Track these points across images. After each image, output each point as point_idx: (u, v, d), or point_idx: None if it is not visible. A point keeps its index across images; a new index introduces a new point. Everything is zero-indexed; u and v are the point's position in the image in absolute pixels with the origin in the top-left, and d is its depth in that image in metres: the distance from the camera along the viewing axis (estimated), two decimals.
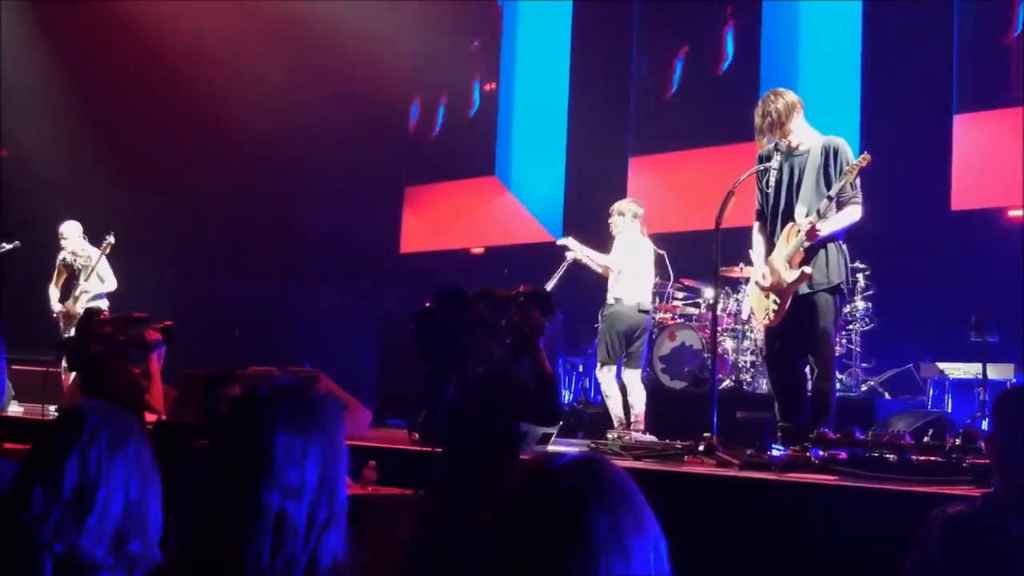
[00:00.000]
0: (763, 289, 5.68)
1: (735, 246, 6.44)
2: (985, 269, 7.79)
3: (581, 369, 9.51)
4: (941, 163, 8.55)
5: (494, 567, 1.32)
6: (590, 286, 8.25)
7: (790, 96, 5.64)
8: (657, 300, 8.16)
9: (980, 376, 6.72)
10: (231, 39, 11.68)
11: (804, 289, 5.50)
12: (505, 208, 11.94)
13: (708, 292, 8.13)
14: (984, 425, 6.08)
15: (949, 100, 8.70)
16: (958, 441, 4.49)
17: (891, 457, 4.52)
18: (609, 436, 6.94)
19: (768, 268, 5.65)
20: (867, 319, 7.73)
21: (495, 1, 12.33)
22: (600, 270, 7.50)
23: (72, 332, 7.81)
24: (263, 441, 1.64)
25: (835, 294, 5.54)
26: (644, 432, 7.02)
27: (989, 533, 2.49)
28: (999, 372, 6.93)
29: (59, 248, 9.24)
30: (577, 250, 7.52)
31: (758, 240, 5.79)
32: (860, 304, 7.70)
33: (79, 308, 8.62)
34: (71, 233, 9.20)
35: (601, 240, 7.64)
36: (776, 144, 5.70)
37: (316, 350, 10.67)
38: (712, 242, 5.79)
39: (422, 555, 3.73)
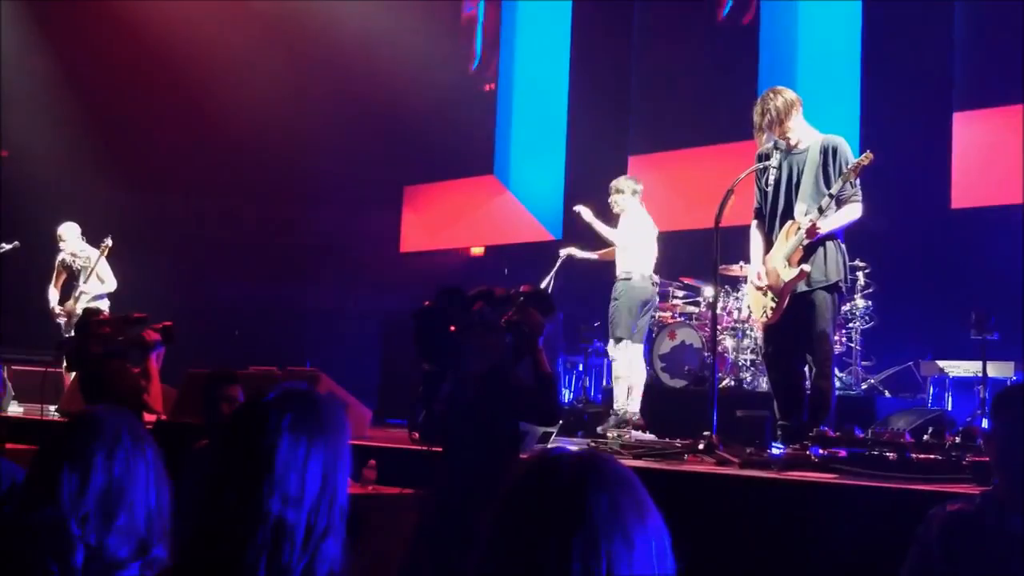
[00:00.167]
0: (759, 288, 5.69)
1: (735, 244, 6.44)
2: (985, 267, 7.79)
3: (581, 368, 9.51)
4: (941, 161, 8.55)
5: (498, 554, 1.32)
6: (589, 284, 8.26)
7: (789, 94, 5.64)
8: (657, 299, 8.16)
9: (980, 374, 6.72)
10: (231, 40, 11.68)
11: (802, 287, 5.50)
12: (505, 207, 11.94)
13: (708, 291, 8.13)
14: (984, 423, 6.08)
15: (949, 98, 8.69)
16: (958, 439, 4.50)
17: (891, 455, 4.53)
18: (609, 435, 6.95)
19: (764, 268, 5.65)
20: (867, 317, 7.73)
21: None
22: (596, 256, 7.57)
23: (72, 333, 7.81)
24: (265, 446, 1.64)
25: (833, 292, 5.54)
26: (644, 430, 7.02)
27: (989, 531, 2.49)
28: (999, 370, 6.93)
29: (59, 249, 9.25)
30: (589, 217, 7.53)
31: (756, 239, 5.79)
32: (860, 302, 7.69)
33: (79, 309, 8.62)
34: (69, 235, 9.20)
35: (601, 238, 7.65)
36: (775, 143, 5.70)
37: (316, 349, 10.68)
38: (712, 240, 5.79)
39: (422, 554, 3.74)
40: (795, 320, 5.55)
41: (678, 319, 8.41)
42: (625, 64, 11.11)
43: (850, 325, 7.69)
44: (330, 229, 12.54)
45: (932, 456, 4.45)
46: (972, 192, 8.50)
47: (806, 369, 5.63)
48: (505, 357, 3.97)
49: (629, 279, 7.31)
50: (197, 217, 12.78)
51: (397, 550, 3.92)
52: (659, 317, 8.32)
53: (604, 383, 9.45)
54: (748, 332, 7.97)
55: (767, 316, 5.66)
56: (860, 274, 7.61)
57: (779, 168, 5.66)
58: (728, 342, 8.08)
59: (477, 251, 12.09)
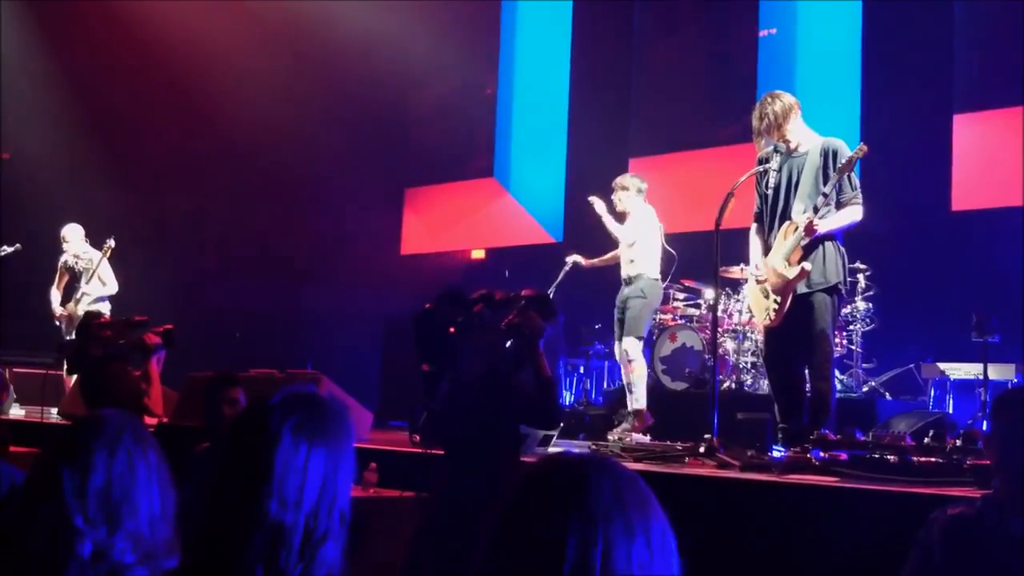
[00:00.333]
0: (760, 282, 5.67)
1: (735, 247, 6.44)
2: (986, 269, 7.78)
3: (583, 370, 9.50)
4: (941, 163, 8.55)
5: (502, 548, 1.33)
6: (590, 287, 8.26)
7: (787, 98, 5.64)
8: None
9: (981, 376, 6.71)
10: (232, 42, 11.68)
11: (802, 289, 5.51)
12: (505, 209, 11.94)
13: (708, 293, 8.12)
14: (985, 426, 6.07)
15: (949, 100, 8.69)
16: (959, 442, 4.49)
17: (892, 458, 4.53)
18: (610, 438, 6.95)
19: (765, 268, 5.65)
20: (868, 319, 7.73)
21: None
22: (600, 262, 7.56)
23: (73, 335, 7.82)
24: (265, 448, 1.64)
25: (833, 294, 5.54)
26: (646, 432, 7.02)
27: (989, 534, 2.49)
28: (1000, 372, 6.92)
29: (61, 251, 9.26)
30: (601, 210, 7.48)
31: (755, 242, 5.80)
32: (861, 304, 7.69)
33: (81, 311, 8.63)
34: (73, 236, 9.21)
35: (602, 240, 7.64)
36: (775, 145, 5.71)
37: (318, 352, 10.68)
38: (712, 243, 5.79)
39: (423, 556, 3.74)
40: (795, 322, 5.55)
41: (679, 321, 8.41)
42: (625, 66, 11.11)
43: (851, 327, 7.69)
44: (331, 231, 12.53)
45: (933, 459, 4.44)
46: (973, 194, 8.50)
47: (806, 371, 5.63)
48: (504, 358, 3.97)
49: (655, 278, 7.26)
50: (198, 219, 12.78)
51: (398, 553, 3.92)
52: (660, 319, 8.32)
53: (605, 385, 9.46)
54: (749, 334, 7.97)
55: (769, 318, 5.66)
56: (861, 276, 7.61)
57: (779, 171, 5.67)
58: (729, 344, 8.08)
59: (478, 254, 12.09)
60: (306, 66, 12.09)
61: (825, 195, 5.41)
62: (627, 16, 11.15)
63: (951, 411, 7.17)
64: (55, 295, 9.25)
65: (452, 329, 3.99)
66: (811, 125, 5.78)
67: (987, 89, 8.57)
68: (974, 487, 4.06)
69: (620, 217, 7.40)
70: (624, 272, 7.32)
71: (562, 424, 7.04)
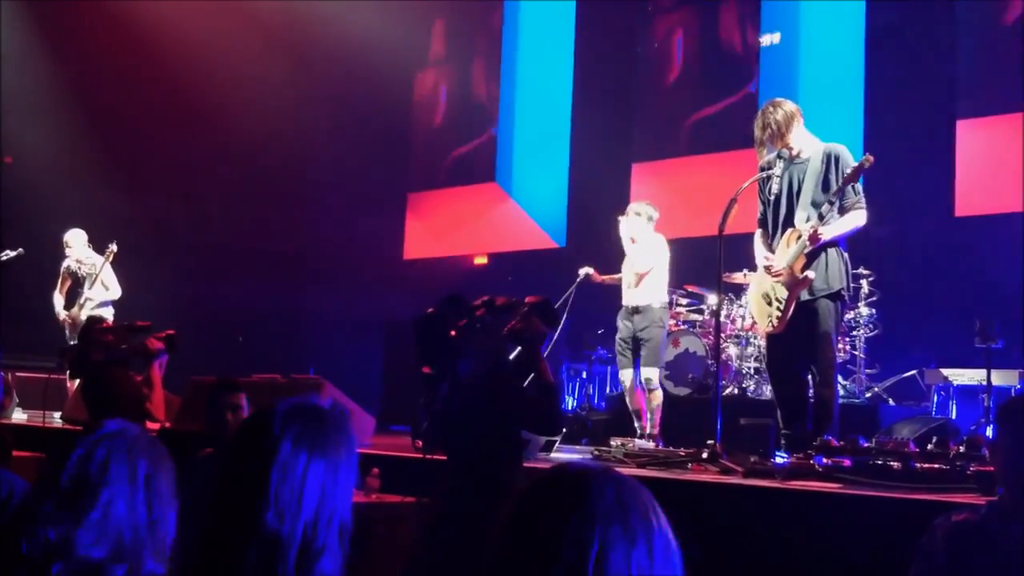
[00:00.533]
0: (771, 273, 5.62)
1: (738, 253, 6.44)
2: (989, 275, 7.77)
3: (585, 375, 9.50)
4: (944, 169, 8.54)
5: (505, 552, 1.33)
6: (594, 292, 8.25)
7: (789, 106, 5.64)
8: None
9: (984, 382, 6.70)
10: (235, 45, 11.70)
11: (804, 295, 5.50)
12: (508, 214, 11.94)
13: (711, 298, 8.12)
14: (988, 432, 6.06)
15: (952, 105, 8.69)
16: (962, 448, 4.48)
17: (895, 464, 4.52)
18: (613, 444, 6.93)
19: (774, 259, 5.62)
20: (871, 325, 7.72)
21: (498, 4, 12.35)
22: (615, 279, 7.49)
23: (76, 340, 7.82)
24: (264, 459, 1.63)
25: (836, 300, 5.54)
26: (652, 439, 7.00)
27: (993, 541, 2.49)
28: (1003, 378, 6.91)
29: (63, 255, 9.26)
30: (601, 278, 7.47)
31: (760, 247, 5.79)
32: (864, 310, 7.69)
33: (83, 315, 8.63)
34: (76, 241, 9.22)
35: (602, 243, 7.62)
36: (779, 152, 5.71)
37: (320, 356, 10.67)
38: (715, 248, 5.79)
39: (425, 562, 3.73)
40: (797, 328, 5.54)
41: (682, 327, 8.40)
42: (628, 70, 11.12)
43: (854, 333, 7.69)
44: (334, 235, 12.53)
45: (936, 465, 4.44)
46: (976, 200, 8.49)
47: (809, 377, 5.62)
48: (505, 361, 3.97)
49: (656, 309, 7.13)
50: (201, 224, 12.79)
51: (400, 558, 3.92)
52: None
53: (608, 391, 9.45)
54: (752, 340, 7.97)
55: (772, 325, 5.65)
56: (864, 282, 7.60)
57: (781, 177, 5.67)
58: (732, 350, 8.07)
59: (480, 259, 12.08)
60: (309, 69, 12.11)
61: (831, 202, 5.41)
62: (630, 20, 11.16)
63: (954, 417, 7.15)
64: (57, 299, 9.26)
65: (453, 332, 3.99)
66: (813, 131, 5.78)
67: (990, 94, 8.57)
68: (977, 493, 4.06)
69: (623, 240, 7.33)
70: (631, 300, 7.13)
71: (564, 430, 7.03)
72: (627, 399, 7.22)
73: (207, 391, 4.79)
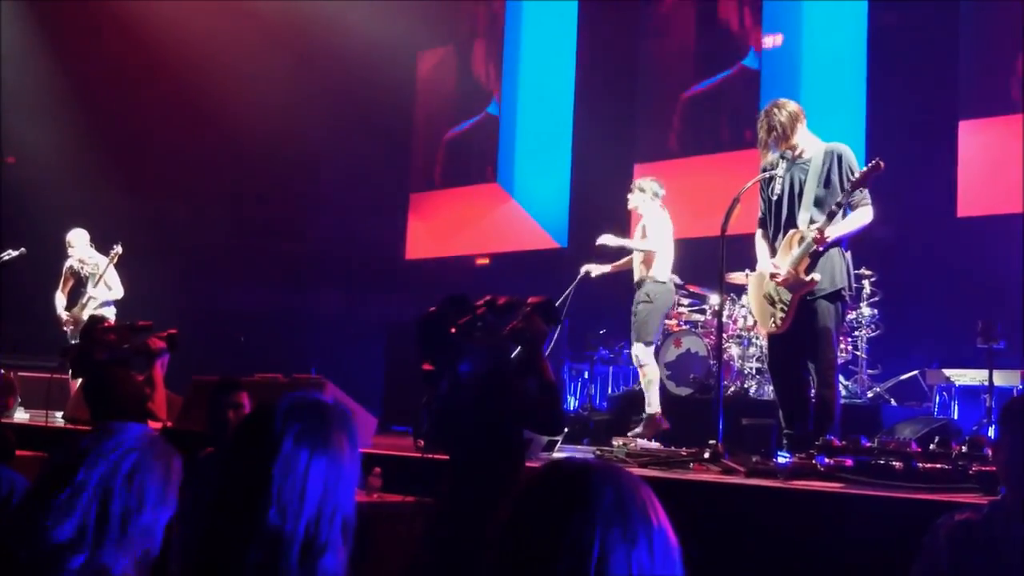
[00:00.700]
0: (776, 280, 5.61)
1: (740, 252, 6.43)
2: (991, 275, 7.77)
3: (587, 375, 9.50)
4: (947, 169, 8.54)
5: (507, 551, 1.33)
6: (597, 292, 8.24)
7: (792, 107, 5.64)
8: None
9: (987, 383, 6.70)
10: (237, 46, 11.71)
11: (806, 295, 5.50)
12: (510, 215, 11.94)
13: (713, 298, 8.11)
14: (990, 432, 6.06)
15: (954, 106, 8.68)
16: (964, 448, 4.48)
17: (897, 464, 4.51)
18: (615, 443, 6.93)
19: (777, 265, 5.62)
20: (873, 326, 7.72)
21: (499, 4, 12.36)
22: (611, 268, 7.55)
23: (78, 339, 7.82)
24: (266, 456, 1.62)
25: (837, 300, 5.53)
26: (650, 438, 7.01)
27: (996, 541, 2.48)
28: (1006, 379, 6.91)
29: (65, 255, 9.26)
30: (616, 242, 7.48)
31: (762, 247, 5.79)
32: (866, 311, 7.68)
33: (86, 315, 8.63)
34: (78, 241, 9.23)
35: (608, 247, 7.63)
36: (782, 153, 5.70)
37: (322, 356, 10.67)
38: (717, 248, 5.78)
39: (427, 561, 3.73)
40: (799, 328, 5.54)
41: (684, 327, 8.40)
42: (631, 70, 11.12)
43: (856, 333, 7.68)
44: (336, 236, 12.54)
45: (938, 465, 4.43)
46: (978, 200, 8.49)
47: (810, 377, 5.62)
48: (506, 360, 3.96)
49: (664, 283, 7.28)
50: (203, 224, 12.80)
51: (402, 558, 3.92)
52: (665, 325, 8.31)
53: (610, 390, 9.45)
54: (754, 340, 7.97)
55: (775, 325, 5.64)
56: (866, 282, 7.60)
57: (783, 178, 5.66)
58: (734, 350, 8.07)
59: (482, 259, 12.09)
60: (311, 71, 12.11)
61: (838, 205, 5.40)
62: (632, 21, 11.16)
63: (956, 417, 7.15)
64: (59, 299, 9.26)
65: (453, 330, 3.99)
66: (816, 132, 5.78)
67: (992, 95, 8.57)
68: (980, 493, 4.06)
69: (627, 216, 7.39)
70: (634, 275, 7.37)
71: (566, 429, 7.03)
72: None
73: (209, 391, 4.79)
